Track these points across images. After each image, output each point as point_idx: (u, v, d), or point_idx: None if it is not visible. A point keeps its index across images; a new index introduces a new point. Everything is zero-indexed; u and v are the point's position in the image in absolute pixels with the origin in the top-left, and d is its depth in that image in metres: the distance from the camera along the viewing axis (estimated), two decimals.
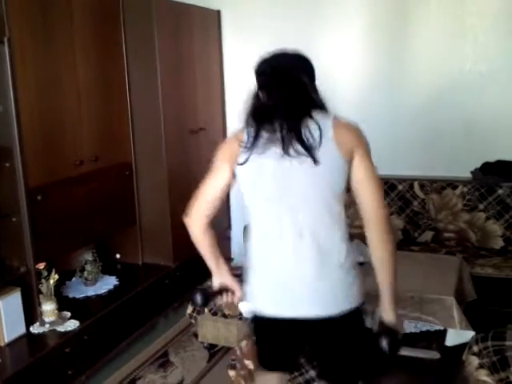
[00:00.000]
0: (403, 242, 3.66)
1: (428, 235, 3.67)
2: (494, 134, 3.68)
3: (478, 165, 3.67)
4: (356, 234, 3.80)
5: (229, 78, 4.29)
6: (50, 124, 2.86)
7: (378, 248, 1.66)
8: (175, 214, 3.60)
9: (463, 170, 3.71)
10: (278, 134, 1.61)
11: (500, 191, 3.52)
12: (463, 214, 3.59)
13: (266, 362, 1.88)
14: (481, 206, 3.55)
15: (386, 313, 1.73)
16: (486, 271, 3.18)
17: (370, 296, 2.48)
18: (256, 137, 1.63)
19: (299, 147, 1.58)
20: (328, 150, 1.59)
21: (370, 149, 1.68)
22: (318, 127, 1.59)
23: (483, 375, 2.37)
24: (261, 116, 1.65)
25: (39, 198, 2.74)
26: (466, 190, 3.60)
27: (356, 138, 1.64)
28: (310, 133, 1.59)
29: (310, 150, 1.57)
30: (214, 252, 1.82)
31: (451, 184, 3.66)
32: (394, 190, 3.76)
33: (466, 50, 3.66)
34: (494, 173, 3.62)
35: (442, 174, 3.75)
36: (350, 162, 1.62)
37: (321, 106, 1.68)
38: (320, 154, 1.58)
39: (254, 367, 1.98)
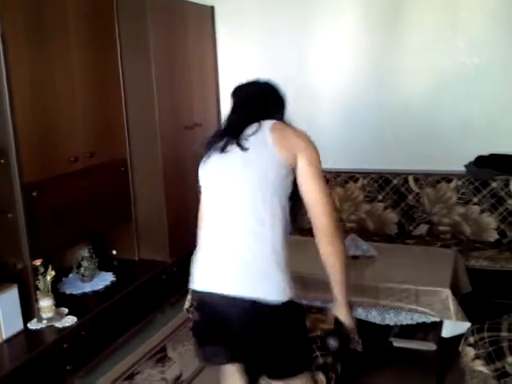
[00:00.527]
0: (398, 236, 3.68)
1: (423, 229, 3.69)
2: (487, 128, 3.70)
3: (472, 158, 3.69)
4: (353, 228, 3.82)
5: (223, 73, 4.30)
6: (45, 120, 2.85)
7: (324, 256, 1.72)
8: (171, 209, 3.62)
9: (457, 163, 3.73)
10: (225, 139, 1.76)
11: (494, 184, 3.54)
12: (458, 208, 3.61)
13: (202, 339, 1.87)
14: (475, 200, 3.57)
15: (337, 307, 1.80)
16: (481, 263, 3.20)
17: (364, 287, 2.52)
18: (214, 143, 1.79)
19: (234, 142, 1.72)
20: (260, 140, 1.70)
21: (317, 156, 1.73)
22: (257, 124, 1.73)
23: (479, 365, 2.40)
24: (221, 133, 1.80)
25: (35, 194, 2.74)
26: (460, 183, 3.63)
27: (299, 142, 1.72)
28: (247, 131, 1.73)
29: (239, 143, 1.71)
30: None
31: (445, 178, 3.68)
32: (388, 184, 3.78)
33: (459, 44, 3.67)
34: (488, 166, 3.64)
35: (436, 168, 3.77)
36: (287, 161, 1.69)
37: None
38: (250, 143, 1.70)
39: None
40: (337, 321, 1.83)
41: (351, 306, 1.84)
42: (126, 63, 3.43)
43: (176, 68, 3.73)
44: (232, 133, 1.76)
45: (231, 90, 1.93)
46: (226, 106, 4.27)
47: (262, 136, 1.72)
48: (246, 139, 1.72)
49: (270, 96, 1.87)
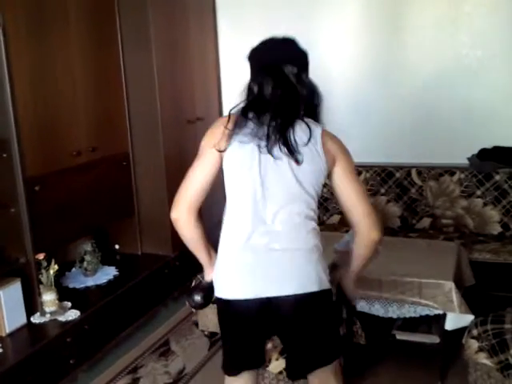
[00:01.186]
0: (401, 229, 3.67)
1: (426, 222, 3.68)
2: (491, 121, 3.68)
3: (475, 151, 3.68)
4: None
5: (225, 66, 4.28)
6: (47, 114, 2.85)
7: (362, 249, 1.80)
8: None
9: (460, 156, 3.72)
10: (265, 129, 1.64)
11: (497, 177, 3.53)
12: (461, 201, 3.60)
13: (233, 360, 1.88)
14: (478, 192, 3.56)
15: (347, 276, 1.88)
16: (484, 256, 3.19)
17: (368, 280, 2.52)
18: (242, 126, 1.65)
19: (284, 148, 1.63)
20: (313, 152, 1.65)
21: (353, 161, 1.76)
22: (308, 131, 1.65)
23: (483, 358, 2.39)
24: (251, 107, 1.68)
25: (37, 188, 2.73)
26: (463, 176, 3.61)
27: (340, 148, 1.72)
28: (299, 136, 1.65)
29: (293, 153, 1.63)
30: (205, 244, 1.80)
31: (449, 171, 3.66)
32: (391, 178, 3.77)
33: (462, 37, 3.65)
34: (491, 159, 3.63)
35: (439, 161, 3.75)
36: (331, 169, 1.70)
37: (309, 103, 1.72)
38: (304, 154, 1.64)
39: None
40: (339, 287, 1.90)
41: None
42: (127, 56, 3.42)
43: (177, 60, 3.72)
44: (274, 130, 1.63)
45: (247, 54, 1.77)
46: (227, 99, 4.27)
47: (314, 147, 1.66)
48: (298, 147, 1.63)
49: (293, 60, 1.71)
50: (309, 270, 1.70)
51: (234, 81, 4.24)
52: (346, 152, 1.73)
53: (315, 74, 1.80)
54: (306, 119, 1.70)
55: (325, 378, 1.85)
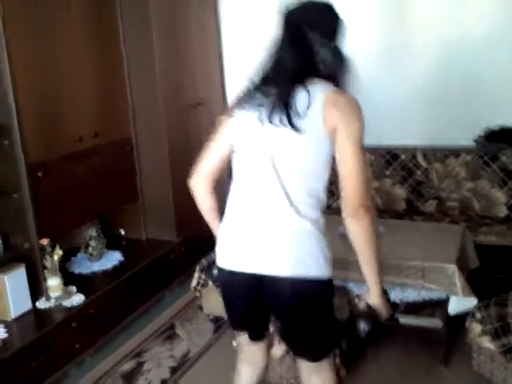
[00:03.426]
0: (406, 212, 3.64)
1: (431, 205, 3.64)
2: (497, 101, 3.61)
3: (482, 132, 3.63)
4: None
5: (227, 47, 4.20)
6: (48, 100, 2.84)
7: (355, 238, 1.59)
8: (177, 188, 3.61)
9: (466, 138, 3.67)
10: (271, 98, 1.59)
11: (504, 158, 3.48)
12: (466, 183, 3.56)
13: (233, 319, 1.91)
14: (484, 174, 3.52)
15: (369, 293, 1.67)
16: (490, 239, 3.16)
17: None
18: (250, 94, 1.65)
19: (284, 118, 1.56)
20: (313, 122, 1.56)
21: (361, 129, 1.57)
22: (307, 98, 1.55)
23: (486, 342, 2.39)
24: (261, 77, 1.65)
25: (40, 174, 2.74)
26: (469, 158, 3.57)
27: (343, 115, 1.55)
28: (302, 102, 1.56)
29: (292, 122, 1.55)
30: (217, 217, 1.83)
31: (454, 153, 3.62)
32: (396, 160, 3.73)
33: (468, 14, 3.57)
34: (498, 140, 3.58)
35: (445, 143, 3.71)
36: (332, 140, 1.57)
37: (328, 72, 1.61)
38: (305, 124, 1.56)
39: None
40: (369, 307, 1.66)
41: (385, 291, 1.67)
42: (128, 40, 3.38)
43: (179, 45, 3.68)
44: (275, 99, 1.57)
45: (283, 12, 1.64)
46: (231, 84, 4.23)
47: (314, 115, 1.54)
48: (298, 115, 1.54)
49: (320, 26, 1.61)
50: (304, 252, 1.62)
51: (238, 63, 4.20)
52: (349, 119, 1.55)
53: None
54: (320, 84, 1.58)
55: (307, 374, 1.83)
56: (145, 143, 3.55)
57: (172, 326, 3.18)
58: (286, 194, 1.61)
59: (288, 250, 1.63)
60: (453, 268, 2.48)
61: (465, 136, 3.65)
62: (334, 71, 1.62)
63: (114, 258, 3.35)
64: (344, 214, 1.58)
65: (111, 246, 3.47)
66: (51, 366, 2.60)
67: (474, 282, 2.64)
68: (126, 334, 3.09)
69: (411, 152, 3.71)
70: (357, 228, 1.57)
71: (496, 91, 3.60)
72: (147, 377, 2.72)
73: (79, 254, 3.35)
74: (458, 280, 2.48)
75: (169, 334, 3.10)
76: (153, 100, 3.48)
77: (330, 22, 1.66)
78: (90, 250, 3.28)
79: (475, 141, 3.65)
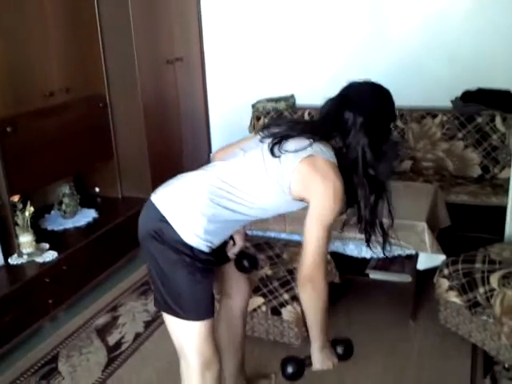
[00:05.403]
0: None
1: (406, 164, 3.67)
2: (475, 63, 3.61)
3: (459, 94, 3.63)
4: None
5: (205, 6, 4.12)
6: (17, 57, 2.78)
7: (302, 303, 1.67)
8: (152, 146, 3.57)
9: (444, 99, 3.67)
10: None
11: (479, 119, 3.50)
12: (442, 143, 3.58)
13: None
14: (460, 135, 3.53)
15: (312, 352, 1.71)
16: (462, 198, 3.20)
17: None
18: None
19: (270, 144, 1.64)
20: (283, 169, 1.59)
21: (328, 208, 1.57)
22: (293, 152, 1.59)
23: (452, 296, 2.45)
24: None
25: (9, 129, 2.69)
26: (445, 118, 3.58)
27: (312, 192, 1.58)
28: (290, 144, 1.61)
29: (273, 150, 1.61)
30: None
31: (431, 113, 3.63)
32: None
33: None
34: (475, 101, 3.58)
35: (421, 104, 3.71)
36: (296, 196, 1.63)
37: (347, 157, 1.62)
38: (281, 158, 1.60)
39: None
40: (309, 357, 1.70)
41: (332, 348, 1.71)
42: None
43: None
44: (285, 132, 1.66)
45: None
46: (208, 38, 4.15)
47: (286, 167, 1.59)
48: (282, 151, 1.60)
49: (364, 111, 1.60)
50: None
51: (216, 19, 4.11)
52: (318, 197, 1.57)
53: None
54: (320, 149, 1.60)
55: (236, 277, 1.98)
56: (118, 99, 3.48)
57: (147, 283, 3.19)
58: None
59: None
60: (422, 225, 2.52)
61: (443, 97, 3.65)
62: (354, 162, 1.61)
63: (88, 216, 3.33)
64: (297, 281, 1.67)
65: (86, 203, 3.45)
66: (24, 320, 2.61)
67: (446, 240, 2.68)
68: (101, 290, 3.11)
69: None
70: (302, 296, 1.66)
71: (474, 54, 3.60)
72: (121, 330, 2.75)
73: (53, 212, 3.33)
74: (428, 237, 2.52)
75: (144, 289, 3.12)
76: (126, 55, 3.39)
77: (377, 111, 1.64)
78: (64, 207, 3.25)
79: (452, 101, 3.66)
